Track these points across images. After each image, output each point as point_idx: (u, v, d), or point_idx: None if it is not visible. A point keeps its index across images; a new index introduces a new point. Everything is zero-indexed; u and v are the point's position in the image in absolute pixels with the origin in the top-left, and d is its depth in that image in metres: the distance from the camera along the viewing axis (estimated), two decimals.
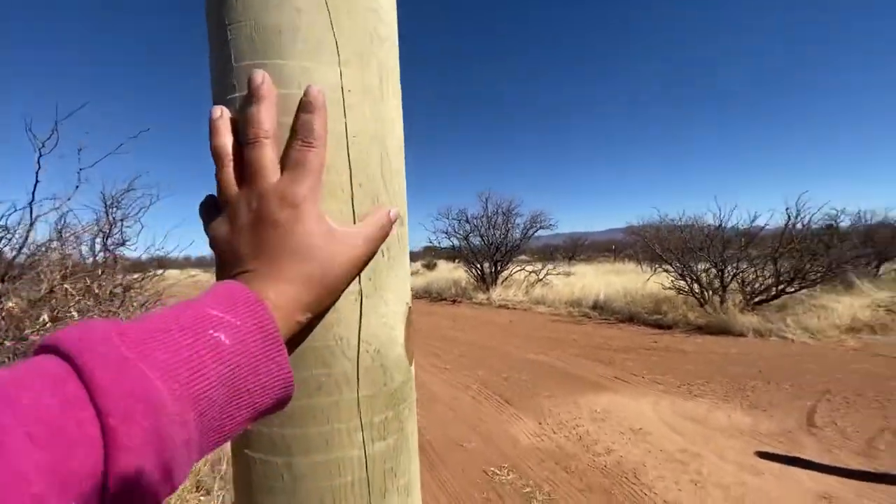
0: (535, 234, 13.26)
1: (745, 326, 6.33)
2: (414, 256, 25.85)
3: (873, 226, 11.80)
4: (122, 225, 4.92)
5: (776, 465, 2.74)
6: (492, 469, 2.79)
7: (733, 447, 2.99)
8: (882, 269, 11.68)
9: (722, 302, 7.44)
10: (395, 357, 0.39)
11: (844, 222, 12.27)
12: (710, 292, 7.65)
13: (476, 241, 12.57)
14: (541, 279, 12.49)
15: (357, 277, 0.36)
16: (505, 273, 12.91)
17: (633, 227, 9.13)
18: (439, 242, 12.87)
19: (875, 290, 10.13)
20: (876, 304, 8.51)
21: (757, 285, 7.38)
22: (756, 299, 7.27)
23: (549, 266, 12.64)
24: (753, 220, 7.86)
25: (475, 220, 12.33)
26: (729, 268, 7.53)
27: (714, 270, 7.70)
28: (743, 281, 7.61)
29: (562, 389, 4.30)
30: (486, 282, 12.59)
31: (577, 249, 33.39)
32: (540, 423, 3.47)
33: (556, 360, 5.49)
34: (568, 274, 14.52)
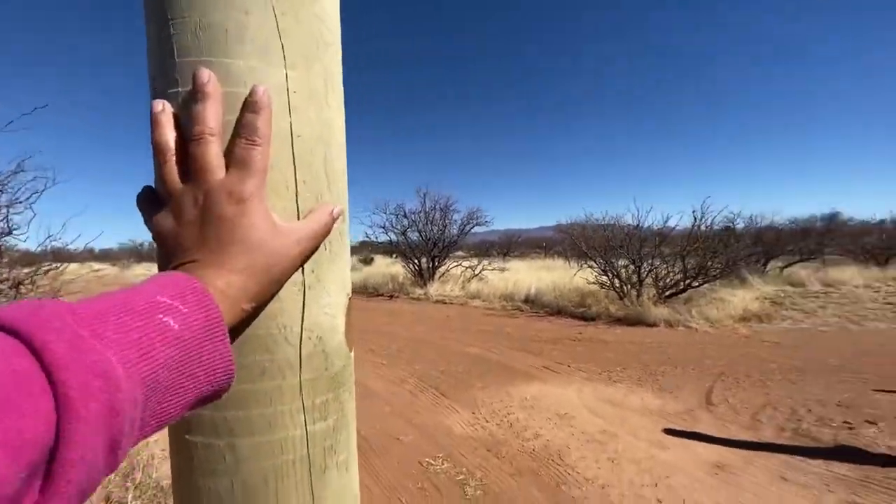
0: (472, 230, 13.56)
1: (657, 318, 6.98)
2: (350, 251, 25.21)
3: (762, 228, 13.48)
4: (7, 211, 4.35)
5: (679, 440, 3.08)
6: (427, 460, 2.85)
7: (645, 426, 3.31)
8: (769, 266, 13.41)
9: (638, 296, 8.13)
10: (336, 344, 0.42)
11: (740, 225, 13.94)
12: (629, 287, 8.32)
13: (414, 236, 12.60)
14: (476, 274, 12.82)
15: (301, 269, 0.38)
16: (442, 268, 13.08)
17: (561, 225, 9.66)
18: (376, 237, 12.75)
19: (763, 284, 11.59)
20: (763, 297, 9.74)
21: (668, 280, 8.15)
22: (667, 293, 8.03)
23: (485, 262, 13.01)
24: (666, 221, 8.66)
25: (413, 216, 12.37)
26: (645, 264, 8.24)
27: (632, 267, 8.39)
28: (656, 276, 8.37)
29: (495, 380, 4.48)
30: (423, 277, 12.68)
31: (511, 246, 34.60)
32: (474, 413, 3.60)
33: (491, 352, 5.69)
34: (503, 269, 15.01)
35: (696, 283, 7.97)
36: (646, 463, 2.75)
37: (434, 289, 11.53)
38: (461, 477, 2.63)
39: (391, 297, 11.70)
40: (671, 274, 8.32)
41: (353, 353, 0.46)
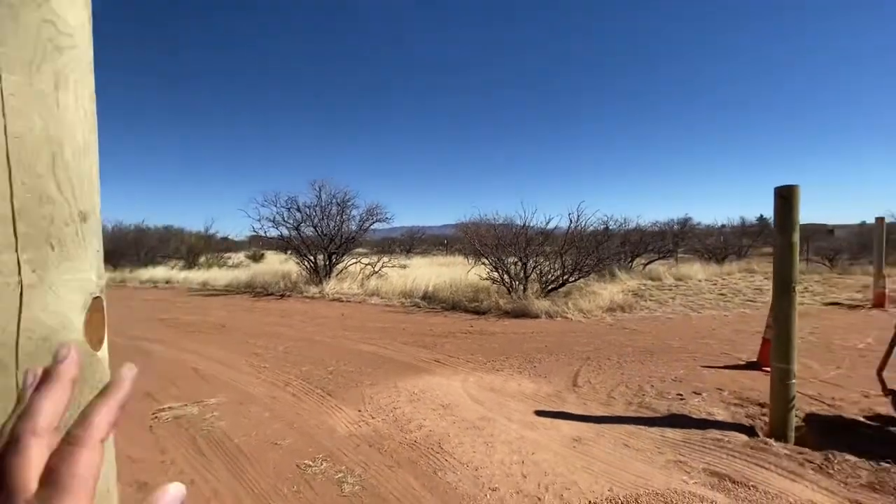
0: (372, 226, 13.38)
1: (539, 310, 7.60)
2: (239, 246, 23.38)
3: (629, 230, 15.44)
4: None
5: (547, 420, 3.39)
6: (305, 462, 2.76)
7: (519, 409, 3.58)
8: (634, 263, 15.40)
9: (524, 290, 8.78)
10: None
11: (612, 226, 15.79)
12: (517, 282, 8.95)
13: (309, 231, 12.03)
14: (376, 271, 12.70)
15: (18, 268, 0.36)
16: (340, 266, 12.71)
17: (461, 223, 10.03)
18: (265, 232, 11.88)
19: (629, 278, 13.25)
20: (627, 290, 11.14)
21: (550, 276, 8.92)
22: (549, 288, 8.79)
23: (385, 259, 12.94)
24: (548, 222, 9.46)
25: (308, 210, 11.79)
26: (530, 262, 8.92)
27: (519, 264, 9.02)
28: (540, 273, 9.12)
29: (385, 376, 4.49)
30: (319, 274, 12.18)
31: (414, 242, 34.93)
32: (360, 411, 3.57)
33: (384, 348, 5.69)
34: (404, 266, 15.10)
35: (573, 279, 8.83)
36: (516, 443, 2.98)
37: (331, 287, 11.15)
38: (339, 475, 2.60)
39: (282, 296, 11.04)
40: (552, 270, 9.14)
41: (102, 353, 0.43)
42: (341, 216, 11.90)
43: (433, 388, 4.10)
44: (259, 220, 11.74)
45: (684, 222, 31.88)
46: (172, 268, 16.33)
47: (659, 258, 15.92)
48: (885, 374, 3.24)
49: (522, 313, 7.71)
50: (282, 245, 12.24)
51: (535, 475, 2.58)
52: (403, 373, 4.61)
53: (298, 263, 12.53)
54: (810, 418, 3.36)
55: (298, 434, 3.18)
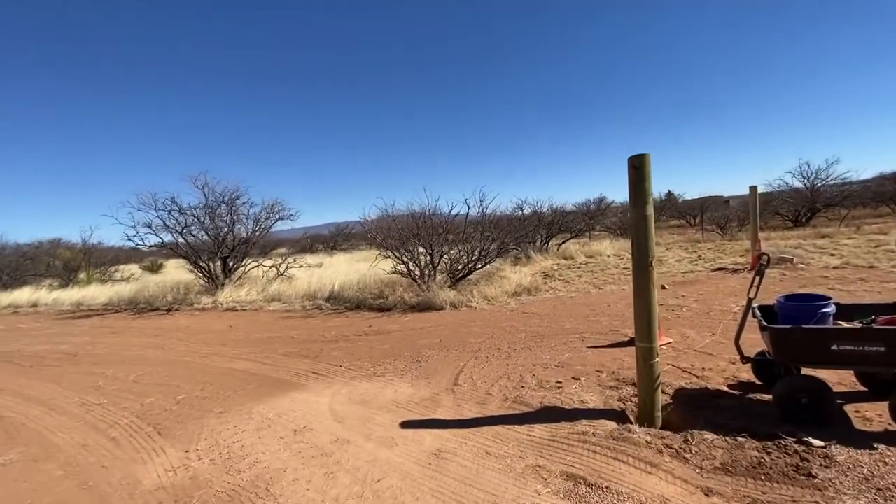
0: (274, 225, 12.33)
1: (444, 301, 7.28)
2: (136, 256, 20.60)
3: (542, 212, 15.69)
4: None
5: (411, 432, 3.00)
6: None
7: (384, 423, 3.16)
8: (549, 243, 15.71)
9: (433, 281, 8.44)
10: None
11: (526, 209, 15.98)
12: (426, 274, 8.57)
13: (201, 235, 10.76)
14: (281, 274, 11.74)
15: None
16: (240, 271, 11.58)
17: (363, 218, 9.44)
18: (141, 240, 10.41)
19: (544, 259, 13.48)
20: (539, 272, 11.25)
21: (458, 265, 8.64)
22: (458, 276, 8.51)
23: (290, 259, 12.00)
24: (451, 209, 9.15)
25: (192, 212, 10.50)
26: (435, 251, 8.57)
27: (426, 255, 8.64)
28: (450, 262, 8.82)
29: (243, 400, 3.87)
30: (215, 283, 11.00)
31: (339, 239, 33.59)
32: (186, 452, 2.94)
33: (262, 363, 5.03)
34: (320, 265, 14.18)
35: (480, 265, 8.63)
36: (364, 469, 2.55)
37: (225, 296, 10.06)
38: None
39: (169, 310, 9.78)
40: (459, 259, 8.86)
41: None
42: (231, 216, 10.75)
43: (294, 409, 3.56)
44: (134, 227, 10.24)
45: (599, 201, 33.73)
46: (44, 288, 14.05)
47: (573, 237, 16.39)
48: (745, 337, 3.23)
49: (427, 306, 7.35)
50: (167, 253, 10.83)
51: None
52: (269, 393, 4.02)
53: (191, 272, 11.21)
54: (678, 394, 3.28)
55: (88, 495, 2.50)
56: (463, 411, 3.29)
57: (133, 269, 17.38)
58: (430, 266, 8.56)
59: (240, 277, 11.30)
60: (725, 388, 3.26)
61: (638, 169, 2.96)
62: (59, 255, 15.85)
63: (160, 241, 10.49)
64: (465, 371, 4.14)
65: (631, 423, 2.94)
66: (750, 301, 3.05)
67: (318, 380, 4.30)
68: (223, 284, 10.79)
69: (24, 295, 12.97)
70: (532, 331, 5.36)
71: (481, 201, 9.10)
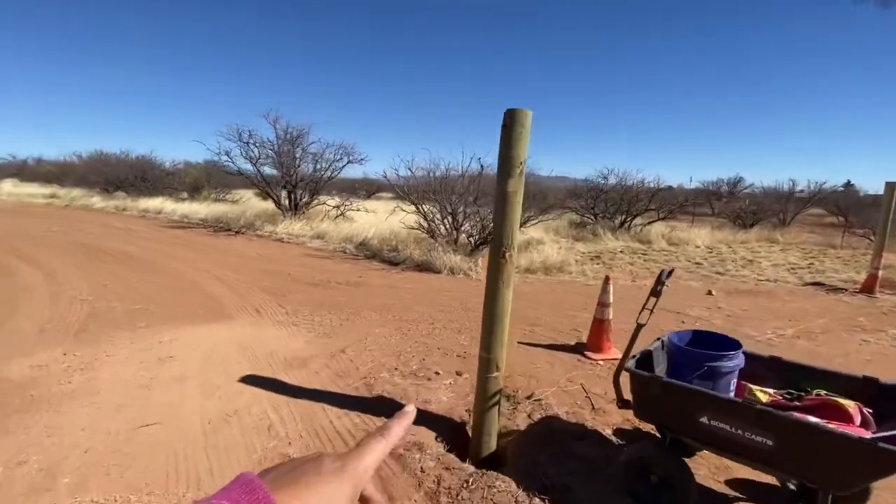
0: (345, 166, 12.88)
1: (443, 265, 6.92)
2: (235, 182, 23.36)
3: (627, 187, 13.68)
4: None
5: (241, 387, 2.93)
6: None
7: (234, 372, 3.13)
8: (634, 222, 13.76)
9: (456, 242, 8.05)
10: None
11: (611, 181, 14.16)
12: (445, 233, 8.20)
13: (271, 168, 11.76)
14: (342, 213, 12.37)
15: None
16: (306, 205, 12.48)
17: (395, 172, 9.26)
18: (232, 164, 11.59)
19: (613, 239, 12.01)
20: (594, 251, 10.05)
21: (479, 231, 8.04)
22: (478, 242, 7.97)
23: (348, 202, 12.51)
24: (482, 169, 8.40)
25: (267, 146, 11.40)
26: (460, 211, 8.08)
27: (448, 215, 8.22)
28: (482, 226, 8.25)
29: (174, 321, 4.18)
30: (284, 213, 12.06)
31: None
32: (65, 354, 3.29)
33: (234, 292, 5.37)
34: (368, 210, 14.42)
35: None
36: (153, 413, 2.57)
37: (283, 226, 10.99)
38: None
39: (236, 233, 11.06)
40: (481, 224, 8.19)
41: None
42: (293, 154, 11.42)
43: (195, 339, 3.74)
44: (218, 154, 11.57)
45: (734, 183, 28.53)
46: (175, 199, 16.97)
47: (663, 218, 14.14)
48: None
49: (427, 268, 7.08)
50: (241, 181, 12.11)
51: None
52: (202, 319, 4.30)
53: (264, 200, 12.43)
54: (542, 422, 2.64)
55: None
56: (314, 379, 3.10)
57: (248, 193, 19.88)
58: (453, 227, 8.15)
59: (303, 212, 12.19)
60: (606, 432, 2.53)
61: (506, 128, 2.26)
62: (189, 173, 18.90)
63: (237, 169, 11.71)
64: (368, 339, 3.89)
65: (451, 440, 2.47)
66: (639, 327, 2.22)
67: (249, 317, 4.45)
68: (288, 216, 11.78)
69: (155, 203, 15.87)
70: (476, 312, 4.80)
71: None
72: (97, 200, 17.55)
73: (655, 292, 2.19)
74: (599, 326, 3.71)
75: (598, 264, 8.26)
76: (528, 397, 2.92)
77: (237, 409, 2.63)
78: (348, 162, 13.03)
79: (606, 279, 3.81)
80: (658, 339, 2.31)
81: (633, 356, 2.15)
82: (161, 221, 13.18)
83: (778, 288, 6.62)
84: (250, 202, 17.25)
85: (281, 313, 4.61)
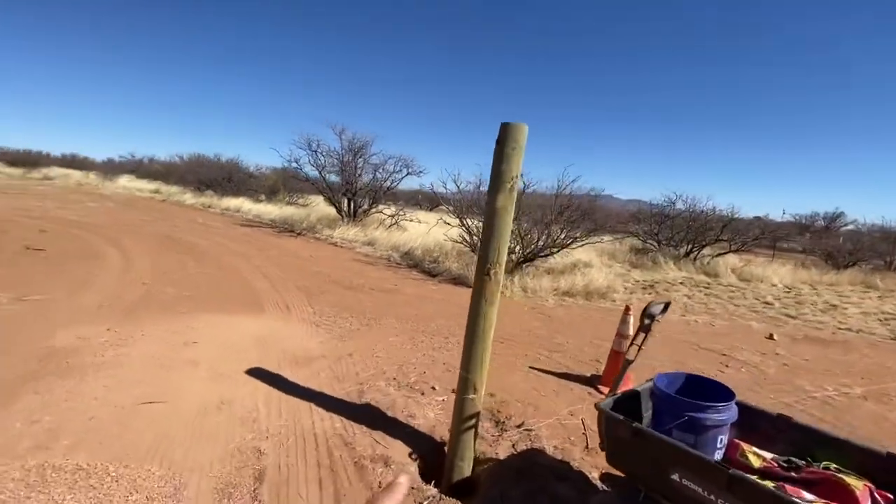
0: (404, 178, 13.31)
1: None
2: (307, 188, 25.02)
3: (699, 214, 12.64)
4: None
5: (245, 378, 3.09)
6: None
7: (243, 363, 3.32)
8: (703, 252, 12.68)
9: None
10: None
11: (679, 206, 13.20)
12: None
13: (335, 177, 12.46)
14: (395, 223, 12.73)
15: None
16: (364, 213, 13.02)
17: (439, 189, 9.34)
18: (301, 171, 12.50)
19: (674, 268, 11.15)
20: (650, 280, 9.40)
21: (532, 247, 7.83)
22: (519, 260, 7.79)
23: (401, 212, 12.85)
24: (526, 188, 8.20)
25: (333, 154, 12.13)
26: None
27: None
28: (529, 241, 8.05)
29: (212, 309, 4.53)
30: (343, 219, 12.67)
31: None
32: (108, 329, 3.67)
33: (273, 289, 5.72)
34: (425, 223, 14.64)
35: (545, 253, 7.69)
36: (151, 392, 2.78)
37: (339, 232, 11.54)
38: None
39: (298, 234, 11.79)
40: (540, 240, 8.00)
41: None
42: (355, 164, 11.99)
43: (220, 326, 4.02)
44: (288, 161, 12.49)
45: (832, 218, 25.38)
46: (253, 200, 18.53)
47: (733, 251, 12.85)
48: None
49: (462, 281, 7.03)
50: (304, 187, 12.90)
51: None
52: (237, 310, 4.61)
53: (327, 205, 13.16)
54: (525, 454, 2.48)
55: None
56: (314, 379, 3.19)
57: (318, 199, 21.21)
58: None
59: (361, 219, 12.73)
60: (592, 475, 2.32)
61: (499, 143, 2.22)
62: (269, 177, 20.56)
63: (305, 175, 12.55)
64: (378, 346, 3.93)
65: (426, 460, 2.41)
66: (627, 363, 2.03)
67: (279, 313, 4.70)
68: (346, 222, 12.37)
69: (235, 202, 17.44)
70: (507, 332, 4.65)
71: (569, 182, 7.93)
72: (189, 197, 19.63)
73: (644, 327, 1.99)
74: (616, 359, 3.44)
75: (648, 293, 7.70)
76: (519, 426, 2.77)
77: (232, 399, 2.77)
78: (407, 173, 13.46)
79: (626, 309, 3.55)
80: (650, 379, 2.09)
81: (614, 395, 1.96)
82: (236, 219, 14.41)
83: (859, 339, 5.72)
84: (318, 207, 18.31)
85: (308, 312, 4.82)
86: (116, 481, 1.93)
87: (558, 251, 7.79)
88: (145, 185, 24.38)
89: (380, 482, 2.11)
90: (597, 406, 1.85)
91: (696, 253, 12.48)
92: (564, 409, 3.06)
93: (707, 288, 8.97)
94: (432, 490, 2.14)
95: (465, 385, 2.32)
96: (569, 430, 2.78)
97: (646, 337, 1.97)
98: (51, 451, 2.08)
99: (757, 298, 8.07)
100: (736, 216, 12.47)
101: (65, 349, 3.18)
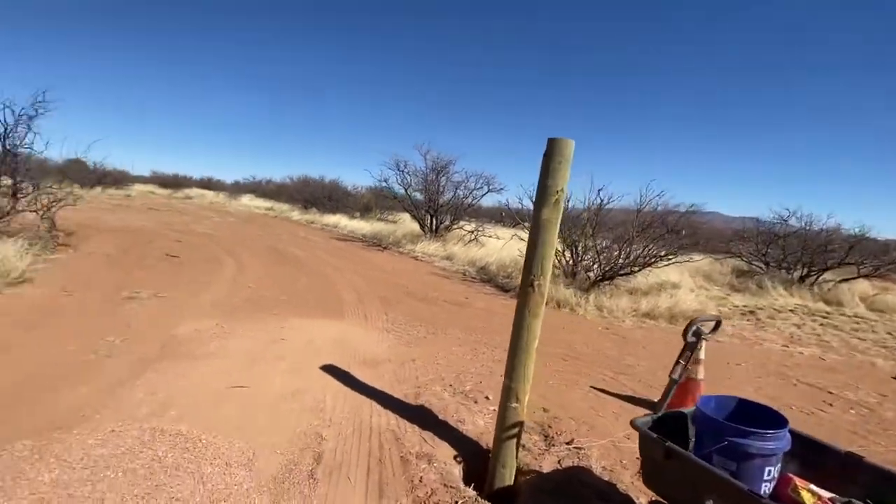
0: (485, 195, 13.58)
1: (550, 297, 6.71)
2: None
3: (818, 233, 10.98)
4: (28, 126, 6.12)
5: (320, 375, 3.46)
6: None
7: (316, 360, 3.70)
8: (823, 277, 10.98)
9: (574, 276, 7.74)
10: None
11: (792, 221, 11.61)
12: (572, 267, 7.91)
13: (420, 194, 13.12)
14: (475, 238, 12.98)
15: None
16: (445, 229, 13.48)
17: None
18: (388, 189, 13.47)
19: (785, 293, 9.82)
20: (753, 305, 8.41)
21: (615, 264, 7.51)
22: (597, 278, 7.49)
23: (480, 228, 13.05)
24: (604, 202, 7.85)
25: (418, 174, 12.84)
26: (580, 244, 7.73)
27: (573, 249, 7.92)
28: (599, 258, 7.75)
29: (301, 312, 5.10)
30: (426, 234, 13.26)
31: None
32: (218, 324, 4.33)
33: (356, 297, 6.23)
34: (498, 238, 14.60)
35: (625, 272, 7.29)
36: (241, 383, 3.24)
37: (421, 247, 12.08)
38: None
39: (384, 248, 12.58)
40: (620, 258, 7.64)
41: None
42: (437, 182, 12.50)
43: (304, 329, 4.51)
44: (378, 180, 13.46)
45: None
46: (349, 217, 20.20)
47: (864, 276, 10.88)
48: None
49: None
50: (391, 205, 13.70)
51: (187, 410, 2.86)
52: (321, 314, 5.12)
53: (412, 222, 13.86)
54: (570, 471, 2.44)
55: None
56: (377, 380, 3.45)
57: (406, 216, 22.44)
58: (573, 259, 7.84)
59: (442, 235, 13.20)
60: (637, 500, 2.22)
61: (546, 157, 2.30)
62: (364, 196, 22.26)
63: (392, 193, 13.41)
64: (441, 354, 4.10)
65: (470, 464, 2.50)
66: (673, 382, 1.94)
67: (357, 319, 5.12)
68: (428, 237, 12.92)
69: (333, 219, 19.13)
70: (574, 350, 4.53)
71: (653, 196, 7.48)
72: (296, 214, 21.96)
73: (690, 345, 1.90)
74: (684, 385, 3.20)
75: (747, 321, 6.91)
76: (569, 442, 2.73)
77: (306, 390, 3.12)
78: (488, 191, 13.70)
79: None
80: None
81: (654, 414, 1.89)
82: (334, 234, 15.80)
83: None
84: (404, 223, 19.35)
85: (382, 320, 5.17)
86: (206, 447, 2.31)
87: (639, 270, 7.35)
88: (261, 203, 27.77)
89: (420, 477, 2.25)
90: (633, 423, 1.81)
91: (814, 277, 10.84)
92: (621, 432, 2.93)
93: (825, 318, 7.76)
94: (471, 492, 2.22)
95: (508, 394, 2.38)
96: (622, 453, 2.67)
97: (691, 355, 1.88)
98: (161, 418, 2.55)
99: (890, 333, 6.79)
100: (866, 235, 10.62)
101: (182, 338, 3.84)
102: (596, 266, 7.43)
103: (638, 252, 7.28)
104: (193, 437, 2.38)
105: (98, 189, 22.85)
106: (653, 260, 7.25)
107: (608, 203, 7.82)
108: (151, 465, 2.11)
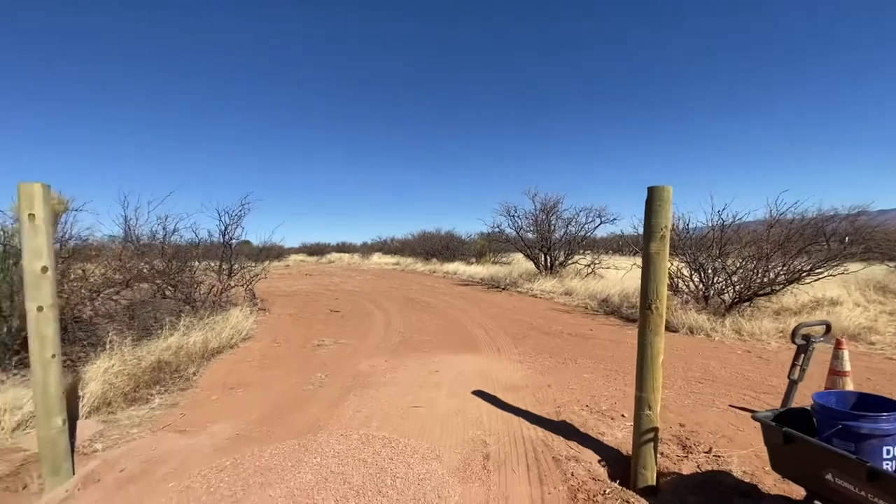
0: (598, 227, 13.64)
1: (681, 324, 6.61)
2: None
3: None
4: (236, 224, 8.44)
5: (472, 399, 4.18)
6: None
7: (464, 387, 4.44)
8: None
9: (707, 300, 7.47)
10: None
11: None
12: (703, 290, 7.66)
13: (531, 235, 13.71)
14: (592, 271, 12.98)
15: None
16: (568, 264, 13.75)
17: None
18: (501, 233, 14.40)
19: None
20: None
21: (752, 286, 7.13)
22: (733, 301, 7.11)
23: (597, 260, 12.99)
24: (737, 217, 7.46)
25: (529, 216, 13.51)
26: (710, 265, 7.46)
27: (701, 272, 7.68)
28: (732, 279, 7.38)
29: (443, 350, 5.98)
30: (541, 272, 13.67)
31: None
32: (386, 361, 5.37)
33: (486, 334, 6.98)
34: (617, 268, 14.17)
35: (763, 291, 6.81)
36: (420, 405, 4.09)
37: (538, 284, 12.49)
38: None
39: (502, 289, 13.26)
40: (756, 277, 7.20)
41: None
42: (548, 222, 12.94)
43: (451, 363, 5.34)
44: (490, 227, 14.44)
45: None
46: (466, 263, 21.55)
47: None
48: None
49: (666, 326, 6.87)
50: (505, 247, 14.43)
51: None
52: (460, 349, 5.95)
53: (526, 261, 14.42)
54: (708, 475, 2.71)
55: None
56: (520, 401, 4.04)
57: (519, 256, 23.11)
58: (702, 282, 7.58)
59: (557, 271, 13.47)
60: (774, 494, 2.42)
61: (648, 203, 2.84)
62: (478, 243, 23.59)
63: (505, 237, 14.22)
64: (573, 381, 4.53)
65: (613, 468, 2.92)
66: (791, 383, 2.22)
67: (492, 353, 5.81)
68: (544, 274, 13.31)
69: (452, 266, 20.60)
70: (710, 374, 4.55)
71: (787, 208, 6.97)
72: (419, 265, 24.08)
73: (802, 348, 2.18)
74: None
75: None
76: (707, 451, 2.97)
77: (464, 409, 3.85)
78: (601, 223, 13.72)
79: (838, 343, 3.26)
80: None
81: (776, 410, 2.18)
82: (454, 280, 17.07)
83: None
84: (518, 264, 19.95)
85: (514, 353, 5.78)
86: (405, 447, 3.14)
87: (781, 288, 6.82)
88: (389, 259, 30.96)
89: (571, 472, 2.75)
90: (754, 416, 2.14)
91: None
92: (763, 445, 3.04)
93: None
94: (616, 485, 2.65)
95: (640, 403, 2.80)
96: (764, 461, 2.81)
97: (805, 357, 2.16)
98: (368, 427, 3.48)
99: None
100: None
101: (364, 372, 4.93)
102: (730, 288, 7.10)
103: (778, 269, 6.81)
104: (394, 439, 3.23)
105: (265, 263, 27.94)
106: (797, 276, 6.70)
107: (734, 221, 7.50)
108: (373, 456, 2.99)
